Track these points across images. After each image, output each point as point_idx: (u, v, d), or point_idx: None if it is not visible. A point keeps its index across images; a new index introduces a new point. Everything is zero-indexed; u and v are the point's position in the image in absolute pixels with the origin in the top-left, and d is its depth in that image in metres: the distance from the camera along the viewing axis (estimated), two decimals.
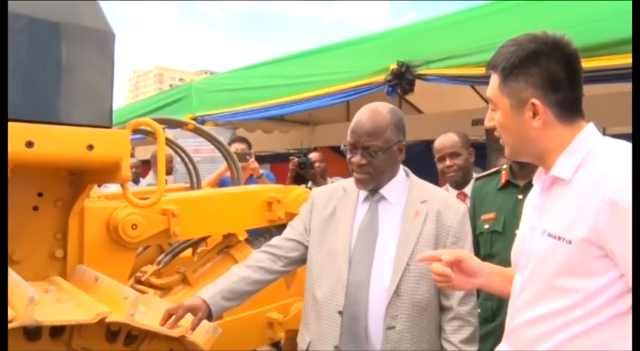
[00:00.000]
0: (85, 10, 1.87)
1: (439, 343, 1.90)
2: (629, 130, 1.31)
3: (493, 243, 2.41)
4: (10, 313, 1.41)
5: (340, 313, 1.85)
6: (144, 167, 7.29)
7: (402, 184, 2.00)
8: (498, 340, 1.49)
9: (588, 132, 1.32)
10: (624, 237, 1.13)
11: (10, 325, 1.37)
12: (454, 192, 3.16)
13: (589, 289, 1.20)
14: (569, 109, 1.32)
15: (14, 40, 1.76)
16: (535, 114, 1.31)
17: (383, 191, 1.97)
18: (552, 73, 1.29)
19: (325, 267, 1.93)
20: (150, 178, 5.90)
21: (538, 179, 1.42)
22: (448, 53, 4.07)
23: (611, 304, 1.18)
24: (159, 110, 7.23)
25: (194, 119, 6.25)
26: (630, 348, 1.13)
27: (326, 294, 1.90)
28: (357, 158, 1.91)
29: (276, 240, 2.07)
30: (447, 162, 3.12)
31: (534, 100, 1.30)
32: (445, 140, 3.16)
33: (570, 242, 1.21)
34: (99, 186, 2.77)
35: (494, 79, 1.38)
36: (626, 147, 1.23)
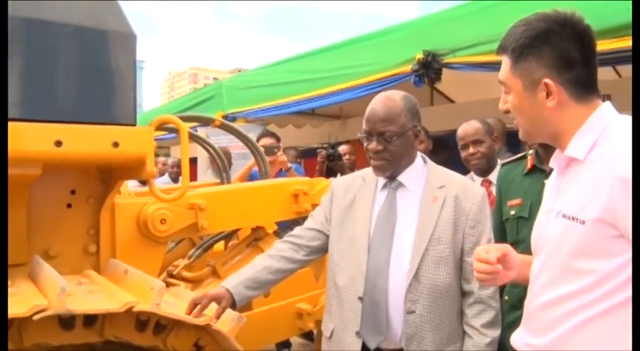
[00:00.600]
0: (107, 14, 1.95)
1: (461, 327, 1.91)
2: None
3: (519, 229, 2.40)
4: (42, 302, 1.48)
5: (360, 299, 1.87)
6: (191, 166, 7.45)
7: (420, 170, 2.01)
8: None
9: (604, 110, 1.29)
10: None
11: (43, 314, 1.45)
12: (479, 179, 3.15)
13: (604, 270, 1.18)
14: (584, 87, 1.29)
15: (40, 45, 1.84)
16: (548, 94, 1.29)
17: (401, 178, 1.98)
18: (564, 51, 1.27)
19: (345, 254, 1.96)
20: (208, 175, 5.89)
21: (554, 161, 1.41)
22: (474, 40, 4.02)
23: (628, 285, 1.16)
24: (191, 109, 7.35)
25: (225, 117, 6.34)
26: None
27: (346, 281, 1.93)
28: (373, 145, 1.93)
29: (297, 230, 2.12)
30: (470, 149, 3.11)
31: (547, 80, 1.28)
32: (468, 128, 3.15)
33: (584, 222, 1.20)
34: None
35: (505, 61, 1.37)
36: None
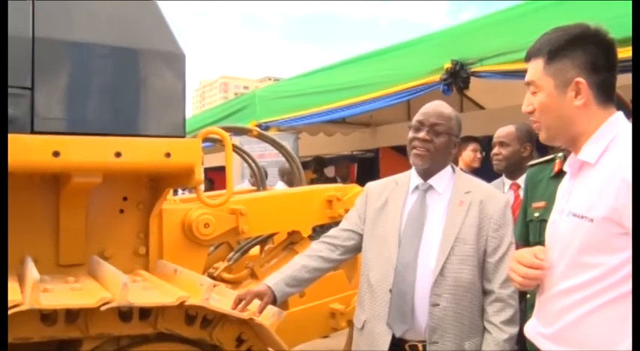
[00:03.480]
0: (159, 36, 2.15)
1: (481, 323, 2.03)
2: None
3: (541, 231, 2.48)
4: (107, 295, 1.67)
5: (391, 291, 2.01)
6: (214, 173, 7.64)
7: (450, 177, 2.15)
8: None
9: (616, 119, 1.40)
10: None
11: (108, 306, 1.63)
12: (509, 182, 3.25)
13: (610, 264, 1.29)
14: (607, 92, 1.41)
15: (100, 65, 2.05)
16: (577, 93, 1.40)
17: (431, 181, 2.12)
18: (594, 56, 1.39)
19: (377, 251, 2.10)
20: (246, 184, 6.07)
21: (569, 165, 1.53)
22: (501, 50, 4.12)
23: (628, 279, 1.26)
24: (225, 119, 7.55)
25: (258, 126, 6.53)
26: None
27: (379, 275, 2.06)
28: (422, 133, 2.06)
29: (333, 231, 2.27)
30: (495, 150, 3.22)
31: (579, 79, 1.40)
32: (502, 130, 3.26)
33: (592, 220, 1.31)
34: (175, 193, 3.04)
35: (538, 63, 1.47)
36: None
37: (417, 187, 2.15)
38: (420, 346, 2.00)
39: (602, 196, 1.31)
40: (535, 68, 1.49)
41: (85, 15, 2.08)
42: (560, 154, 2.57)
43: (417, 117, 2.11)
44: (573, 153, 1.49)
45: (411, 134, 2.11)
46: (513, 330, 1.97)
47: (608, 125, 1.39)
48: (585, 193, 1.39)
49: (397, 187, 2.20)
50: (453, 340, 1.96)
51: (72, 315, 1.75)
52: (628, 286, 1.27)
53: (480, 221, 2.02)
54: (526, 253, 1.55)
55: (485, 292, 2.03)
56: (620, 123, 1.40)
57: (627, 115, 1.58)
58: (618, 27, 3.17)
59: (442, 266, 1.97)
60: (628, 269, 1.28)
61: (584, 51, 1.40)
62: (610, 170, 1.32)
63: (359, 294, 2.22)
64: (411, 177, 2.19)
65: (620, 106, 1.66)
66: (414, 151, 2.10)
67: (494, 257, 2.00)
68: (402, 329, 1.99)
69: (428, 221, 2.07)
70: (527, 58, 1.53)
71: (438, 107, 2.11)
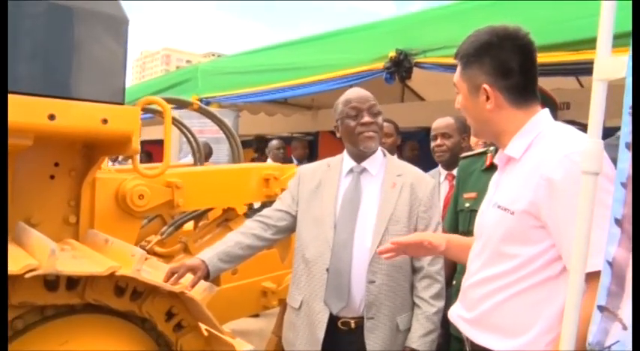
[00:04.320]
0: None
1: (411, 298, 2.16)
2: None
3: (471, 220, 2.59)
4: (33, 262, 1.60)
5: (327, 270, 2.09)
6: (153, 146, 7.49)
7: (381, 160, 2.26)
8: None
9: (540, 117, 1.49)
10: (556, 211, 1.30)
11: (33, 273, 1.57)
12: (444, 173, 3.35)
13: (527, 254, 1.38)
14: (521, 94, 1.48)
15: (36, 22, 1.95)
16: (488, 98, 1.49)
17: (365, 164, 2.22)
18: (503, 61, 1.46)
19: (313, 231, 2.17)
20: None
21: (497, 159, 1.61)
22: (444, 43, 4.22)
23: (544, 268, 1.36)
24: (165, 91, 7.39)
25: (199, 100, 6.42)
26: (557, 309, 1.31)
27: (315, 255, 2.14)
28: (367, 118, 2.17)
29: (266, 211, 2.30)
30: (438, 141, 3.30)
31: (485, 85, 1.48)
32: (441, 121, 3.34)
33: (513, 213, 1.40)
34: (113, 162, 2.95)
35: (458, 67, 1.57)
36: (569, 132, 1.41)
37: (351, 170, 2.24)
38: (352, 322, 2.08)
39: (523, 190, 1.39)
40: (456, 71, 1.59)
41: None
42: (491, 148, 2.68)
43: (351, 105, 2.19)
44: (500, 148, 1.57)
45: (351, 122, 2.19)
46: (440, 304, 2.13)
47: (532, 123, 1.47)
48: (509, 186, 1.47)
49: (330, 170, 2.29)
50: (387, 315, 2.08)
51: None
52: (543, 275, 1.37)
53: (411, 202, 2.15)
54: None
55: (415, 270, 2.17)
56: (543, 121, 1.48)
57: (553, 109, 1.67)
58: (558, 30, 3.34)
59: (378, 245, 2.05)
60: (543, 260, 1.36)
61: (491, 58, 1.47)
62: (531, 166, 1.40)
63: (294, 274, 2.25)
64: (344, 160, 2.27)
65: (545, 100, 1.74)
66: (365, 134, 2.18)
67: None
68: (339, 307, 2.07)
69: (363, 202, 2.17)
70: (454, 59, 1.61)
71: (363, 91, 2.24)
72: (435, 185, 2.25)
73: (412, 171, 2.27)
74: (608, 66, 0.99)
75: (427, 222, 2.17)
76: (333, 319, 2.10)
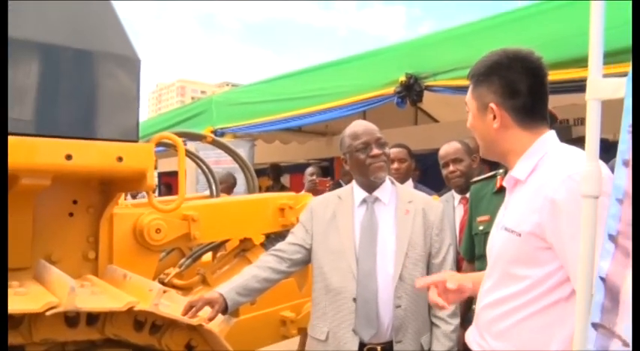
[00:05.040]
0: (114, 39, 2.14)
1: (429, 318, 2.25)
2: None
3: (486, 243, 2.58)
4: (54, 300, 1.64)
5: (354, 299, 2.15)
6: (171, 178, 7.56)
7: (391, 188, 2.34)
8: None
9: (546, 138, 1.49)
10: (561, 232, 1.30)
11: (54, 311, 1.60)
12: (458, 197, 3.34)
13: (535, 276, 1.38)
14: (528, 114, 1.49)
15: (53, 67, 2.02)
16: (495, 117, 1.51)
17: (377, 193, 2.30)
18: (511, 81, 1.48)
19: (334, 263, 2.23)
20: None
21: (506, 181, 1.61)
22: (454, 65, 4.24)
23: (554, 290, 1.35)
24: (180, 123, 7.48)
25: (214, 132, 6.51)
26: (570, 331, 1.26)
27: (339, 286, 2.19)
28: (376, 150, 2.26)
29: (280, 244, 2.36)
30: (451, 167, 3.29)
31: (492, 104, 1.50)
32: (448, 148, 3.35)
33: (520, 235, 1.40)
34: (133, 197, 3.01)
35: (469, 86, 1.60)
36: (574, 153, 1.42)
37: (364, 200, 2.32)
38: (379, 348, 2.16)
39: (529, 211, 1.40)
40: (468, 91, 1.61)
41: (38, 14, 2.05)
42: (501, 171, 2.69)
43: (360, 139, 2.28)
44: (508, 169, 1.58)
45: (361, 155, 2.27)
46: (456, 321, 2.24)
47: (538, 144, 1.48)
48: (516, 208, 1.47)
49: (342, 202, 2.36)
50: (413, 337, 2.19)
51: (15, 321, 1.71)
52: (553, 297, 1.36)
53: (424, 227, 2.25)
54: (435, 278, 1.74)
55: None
56: (549, 142, 1.49)
57: (552, 122, 1.68)
58: (566, 48, 3.35)
59: (400, 271, 2.16)
60: (552, 281, 1.36)
61: (499, 77, 1.49)
62: (536, 187, 1.40)
63: (316, 305, 2.29)
64: (354, 191, 2.36)
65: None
66: (375, 165, 2.26)
67: (438, 258, 2.26)
68: (370, 334, 2.15)
69: (380, 231, 2.24)
70: (467, 78, 1.63)
71: (368, 124, 2.34)
72: (443, 209, 2.35)
73: (421, 196, 2.37)
74: (601, 86, 1.00)
75: (440, 244, 2.27)
76: (360, 347, 2.15)
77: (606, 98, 1.00)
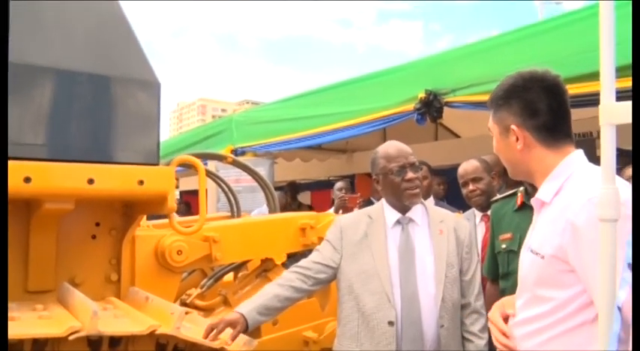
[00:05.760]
0: (135, 64, 2.17)
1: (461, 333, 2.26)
2: None
3: (510, 261, 2.55)
4: (76, 324, 1.65)
5: (390, 323, 2.14)
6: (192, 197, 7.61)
7: (421, 208, 2.34)
8: None
9: (572, 159, 1.47)
10: (582, 257, 1.28)
11: (77, 335, 1.61)
12: (479, 215, 3.30)
13: (560, 298, 1.35)
14: (550, 133, 1.48)
15: (75, 92, 2.06)
16: (517, 138, 1.50)
17: (411, 214, 2.30)
18: (529, 102, 1.48)
19: (367, 285, 2.21)
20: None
21: (533, 201, 1.59)
22: (473, 81, 4.23)
23: (578, 312, 1.33)
24: (201, 142, 7.54)
25: (234, 150, 6.54)
26: None
27: (373, 308, 2.18)
28: (411, 174, 2.27)
29: (305, 262, 2.31)
30: (470, 187, 3.26)
31: (513, 126, 1.50)
32: (467, 166, 3.32)
33: (543, 257, 1.38)
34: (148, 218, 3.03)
35: (491, 112, 1.60)
36: (598, 174, 1.38)
37: (398, 222, 2.31)
38: None
39: (552, 234, 1.38)
40: (490, 116, 1.61)
41: (60, 41, 2.10)
42: (521, 188, 2.66)
43: (395, 162, 2.28)
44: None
45: (396, 179, 2.27)
46: (487, 336, 2.20)
47: (564, 165, 1.46)
48: (541, 230, 1.46)
49: (374, 222, 2.34)
50: None
51: (39, 344, 1.73)
52: (578, 320, 1.33)
53: (457, 246, 2.28)
54: (497, 313, 1.61)
55: (463, 306, 2.27)
56: (575, 162, 1.47)
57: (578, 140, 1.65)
58: (585, 61, 3.32)
59: (442, 291, 2.18)
60: (577, 304, 1.34)
61: (517, 99, 1.50)
62: (560, 209, 1.38)
63: (347, 325, 2.28)
64: (385, 211, 2.32)
65: None
66: (410, 192, 2.27)
67: (468, 275, 2.28)
68: None
69: (417, 252, 2.25)
70: (487, 105, 1.64)
71: (402, 146, 2.33)
72: (471, 227, 2.40)
73: (450, 215, 2.40)
74: (615, 110, 0.98)
75: (469, 262, 2.30)
76: None
77: (620, 123, 0.98)
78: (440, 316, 2.17)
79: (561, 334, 1.36)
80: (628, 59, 1.08)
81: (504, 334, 1.54)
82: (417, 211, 2.31)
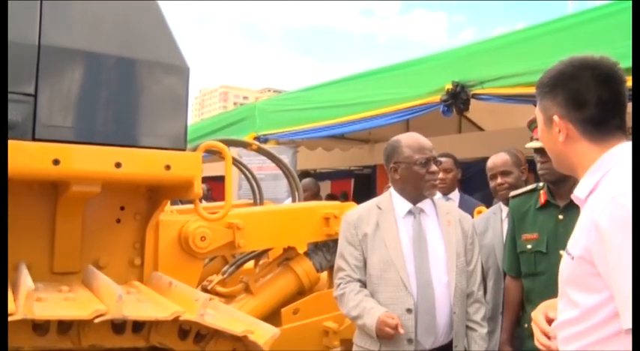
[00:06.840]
0: (164, 48, 2.16)
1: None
2: None
3: (537, 263, 2.47)
4: (102, 307, 1.65)
5: (409, 310, 2.21)
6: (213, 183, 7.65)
7: (429, 200, 2.43)
8: None
9: (614, 152, 1.33)
10: (607, 261, 1.18)
11: (102, 318, 1.61)
12: (506, 209, 3.24)
13: (587, 304, 1.26)
14: (597, 127, 1.35)
15: (104, 75, 2.05)
16: (560, 130, 1.39)
17: (421, 205, 2.38)
18: (576, 92, 1.36)
19: (383, 274, 2.28)
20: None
21: (573, 198, 1.51)
22: (501, 73, 4.17)
23: (609, 322, 1.21)
24: (224, 129, 7.56)
25: (257, 138, 6.54)
26: None
27: (389, 297, 2.25)
28: (434, 167, 2.36)
29: (352, 272, 2.36)
30: (499, 180, 3.18)
31: (555, 117, 1.39)
32: (496, 159, 3.25)
33: (573, 258, 1.30)
34: (172, 203, 3.03)
35: (537, 98, 1.49)
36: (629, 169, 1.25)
37: (409, 212, 2.37)
38: None
39: (580, 234, 1.30)
40: (537, 104, 1.51)
41: (91, 24, 2.09)
42: (541, 184, 2.58)
43: (423, 154, 2.34)
44: None
45: (421, 170, 2.33)
46: (487, 325, 2.42)
47: (604, 159, 1.35)
48: (575, 229, 1.37)
49: (384, 213, 2.38)
50: (462, 341, 2.33)
51: (64, 326, 1.73)
52: (610, 329, 1.22)
53: (463, 237, 2.39)
54: (540, 314, 1.55)
55: (467, 295, 2.39)
56: (617, 156, 1.33)
57: None
58: (614, 57, 3.23)
59: (453, 279, 2.29)
60: (606, 312, 1.23)
61: (563, 88, 1.39)
62: (590, 208, 1.29)
63: None
64: (394, 202, 2.38)
65: None
66: (432, 183, 2.37)
67: (471, 265, 2.41)
68: (431, 341, 2.25)
69: (429, 242, 2.33)
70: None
71: (425, 140, 2.40)
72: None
73: (454, 207, 2.59)
74: None
75: (472, 253, 2.43)
76: None
77: None
78: (453, 304, 2.28)
79: (597, 343, 1.25)
80: None
81: (546, 335, 1.49)
82: (426, 203, 2.41)
